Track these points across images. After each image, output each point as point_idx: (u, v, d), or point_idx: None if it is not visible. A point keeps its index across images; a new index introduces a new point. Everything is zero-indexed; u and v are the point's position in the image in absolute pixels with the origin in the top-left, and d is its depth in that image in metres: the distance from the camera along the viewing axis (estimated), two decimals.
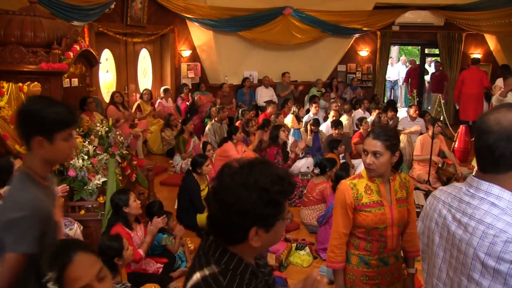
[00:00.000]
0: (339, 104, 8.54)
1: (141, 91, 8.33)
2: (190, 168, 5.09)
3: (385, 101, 11.46)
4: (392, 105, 9.07)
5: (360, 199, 2.32)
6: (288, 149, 6.31)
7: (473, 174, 1.46)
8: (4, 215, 1.65)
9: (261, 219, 1.26)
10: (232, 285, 1.28)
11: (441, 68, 10.99)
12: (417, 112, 7.55)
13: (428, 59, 13.85)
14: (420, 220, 1.64)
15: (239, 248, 1.31)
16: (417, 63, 12.70)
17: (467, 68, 9.56)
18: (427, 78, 12.94)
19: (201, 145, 6.09)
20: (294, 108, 8.01)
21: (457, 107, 9.50)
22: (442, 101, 9.12)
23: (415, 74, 12.23)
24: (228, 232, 1.28)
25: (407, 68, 13.22)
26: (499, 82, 8.51)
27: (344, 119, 7.88)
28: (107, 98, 7.61)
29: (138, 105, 7.91)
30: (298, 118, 7.88)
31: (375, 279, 2.40)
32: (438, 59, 11.37)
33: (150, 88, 9.11)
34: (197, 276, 1.30)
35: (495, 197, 1.35)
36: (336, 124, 6.93)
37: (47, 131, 1.72)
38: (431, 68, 14.00)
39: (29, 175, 1.75)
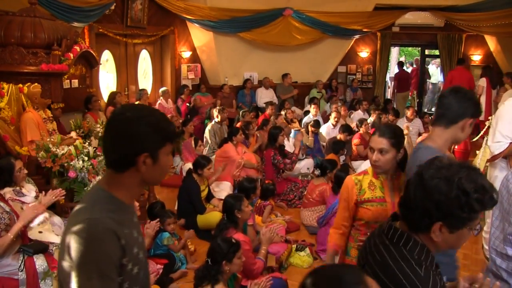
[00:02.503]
0: (339, 105, 8.54)
1: (138, 92, 8.26)
2: (192, 168, 5.09)
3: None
4: (392, 108, 9.10)
5: (363, 195, 2.39)
6: (287, 148, 6.33)
7: None
8: None
9: (450, 217, 1.32)
10: (429, 276, 1.35)
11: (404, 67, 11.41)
12: (414, 114, 7.57)
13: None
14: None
15: (424, 237, 1.39)
16: (415, 65, 12.70)
17: (453, 69, 9.88)
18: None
19: (192, 142, 6.17)
20: (282, 111, 8.07)
21: None
22: (483, 107, 9.10)
23: (415, 75, 12.25)
24: (416, 218, 1.37)
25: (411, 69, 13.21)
26: (482, 82, 8.89)
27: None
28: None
29: None
30: (287, 121, 7.93)
31: None
32: (435, 60, 11.38)
33: (150, 89, 9.12)
34: (391, 265, 1.38)
35: None
36: (344, 129, 6.92)
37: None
38: (433, 68, 14.03)
39: None
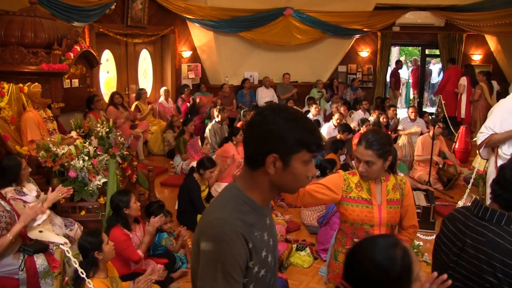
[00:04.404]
0: (339, 105, 8.54)
1: (137, 91, 8.27)
2: (195, 166, 5.09)
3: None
4: (389, 104, 9.11)
5: (349, 192, 2.35)
6: None
7: None
8: None
9: None
10: None
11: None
12: (413, 113, 7.56)
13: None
14: None
15: None
16: (414, 65, 12.70)
17: (448, 68, 10.30)
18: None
19: (199, 141, 6.16)
20: None
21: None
22: (443, 102, 9.12)
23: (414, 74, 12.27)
24: (507, 200, 1.58)
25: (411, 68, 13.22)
26: (463, 80, 9.30)
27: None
28: (107, 99, 7.60)
29: (136, 106, 7.91)
30: None
31: None
32: (439, 59, 11.40)
33: (150, 89, 9.13)
34: (501, 242, 1.54)
35: None
36: (344, 129, 6.92)
37: None
38: (434, 67, 14.03)
39: None
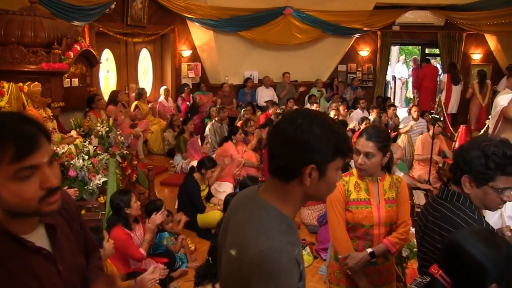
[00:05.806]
0: (339, 104, 8.55)
1: (136, 91, 8.26)
2: (195, 166, 5.09)
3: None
4: (390, 104, 9.11)
5: (349, 196, 2.36)
6: None
7: None
8: None
9: (473, 172, 1.71)
10: (481, 219, 1.75)
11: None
12: (416, 112, 7.55)
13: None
14: None
15: (462, 191, 1.78)
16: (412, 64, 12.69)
17: (424, 66, 10.86)
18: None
19: (199, 141, 6.16)
20: (276, 110, 8.04)
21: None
22: (443, 101, 9.13)
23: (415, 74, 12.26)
24: (453, 170, 1.81)
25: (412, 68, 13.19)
26: (444, 78, 9.77)
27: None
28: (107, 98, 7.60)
29: (136, 105, 7.91)
30: None
31: None
32: (439, 59, 11.40)
33: (150, 88, 9.13)
34: (451, 216, 1.75)
35: None
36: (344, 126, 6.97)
37: None
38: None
39: None
